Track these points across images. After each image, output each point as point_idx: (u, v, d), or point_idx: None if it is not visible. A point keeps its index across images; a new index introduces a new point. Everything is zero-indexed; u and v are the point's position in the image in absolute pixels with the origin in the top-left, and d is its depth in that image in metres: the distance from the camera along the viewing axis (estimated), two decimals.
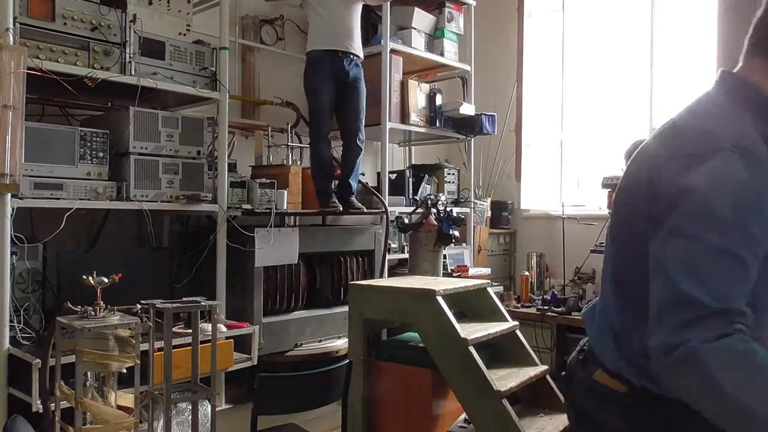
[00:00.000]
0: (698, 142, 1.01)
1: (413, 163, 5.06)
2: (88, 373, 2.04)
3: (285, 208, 3.49)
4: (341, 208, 3.56)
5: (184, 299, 2.30)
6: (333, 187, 3.66)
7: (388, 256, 4.00)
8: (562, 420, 2.74)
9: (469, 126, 4.58)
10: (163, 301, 2.22)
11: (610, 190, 4.05)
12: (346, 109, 3.67)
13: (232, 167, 3.48)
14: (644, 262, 1.04)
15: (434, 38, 4.54)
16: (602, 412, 1.17)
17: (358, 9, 3.69)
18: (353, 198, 3.75)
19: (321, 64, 3.53)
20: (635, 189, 1.10)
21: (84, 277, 2.10)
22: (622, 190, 1.19)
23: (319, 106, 3.57)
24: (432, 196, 3.87)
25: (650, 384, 1.09)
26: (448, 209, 3.70)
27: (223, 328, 2.99)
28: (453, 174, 4.77)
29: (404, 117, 4.28)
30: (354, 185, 3.77)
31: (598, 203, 4.53)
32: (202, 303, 2.27)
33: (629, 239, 1.13)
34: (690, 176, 0.97)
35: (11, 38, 2.41)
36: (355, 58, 3.65)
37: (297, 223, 3.89)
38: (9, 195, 2.41)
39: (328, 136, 3.63)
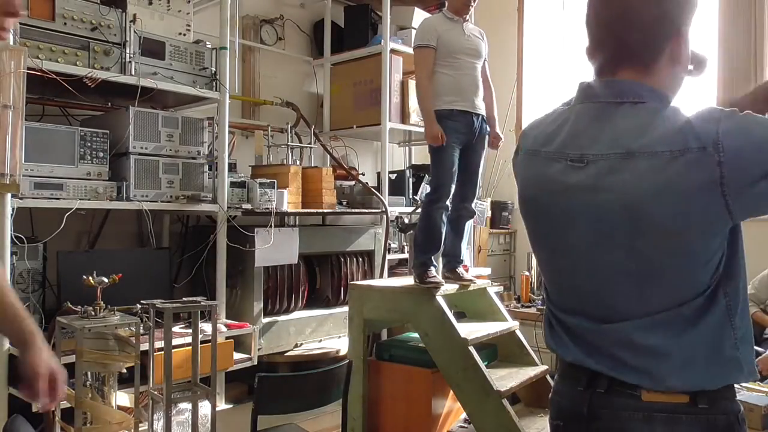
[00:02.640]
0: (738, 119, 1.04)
1: (413, 163, 5.06)
2: (88, 373, 2.04)
3: (285, 208, 3.49)
4: (443, 284, 2.99)
5: (184, 299, 2.31)
6: (434, 260, 3.12)
7: (388, 256, 4.00)
8: None
9: None
10: (163, 301, 2.22)
11: None
12: (467, 169, 3.18)
13: (232, 167, 3.48)
14: (690, 259, 1.06)
15: None
16: (674, 430, 1.10)
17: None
18: (461, 269, 3.23)
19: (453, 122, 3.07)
20: (661, 204, 1.05)
21: (84, 277, 2.11)
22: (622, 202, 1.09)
23: (447, 167, 3.05)
24: None
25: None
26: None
27: (223, 328, 2.99)
28: None
29: (404, 117, 4.28)
30: (464, 251, 3.30)
31: None
32: (202, 303, 2.27)
33: (663, 244, 1.07)
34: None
35: (11, 38, 2.41)
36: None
37: (297, 223, 3.89)
38: (9, 195, 2.41)
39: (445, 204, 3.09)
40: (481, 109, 3.14)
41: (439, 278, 3.02)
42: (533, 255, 1.34)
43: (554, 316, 1.28)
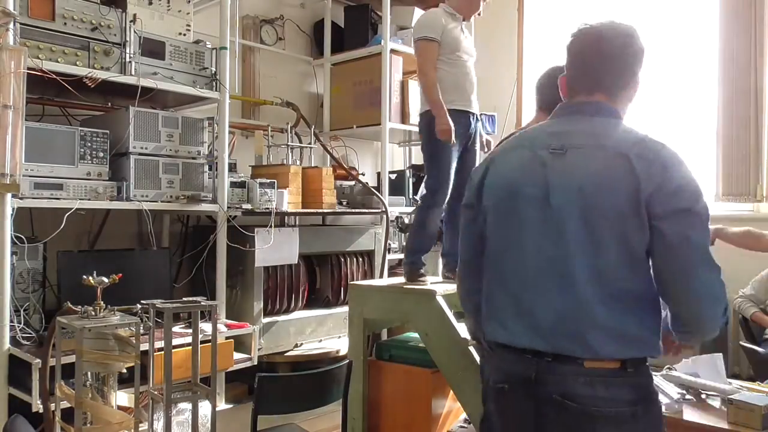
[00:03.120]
0: (671, 152, 1.41)
1: (413, 163, 5.06)
2: (88, 373, 2.04)
3: (285, 208, 3.49)
4: (429, 283, 2.99)
5: (184, 299, 2.30)
6: (424, 259, 3.11)
7: (388, 256, 4.00)
8: None
9: None
10: (163, 301, 2.22)
11: None
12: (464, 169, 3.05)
13: (232, 167, 3.47)
14: (634, 254, 1.39)
15: None
16: (610, 390, 1.38)
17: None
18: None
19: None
20: (612, 191, 1.38)
21: (84, 277, 2.10)
22: (589, 191, 1.41)
23: (446, 169, 2.99)
24: None
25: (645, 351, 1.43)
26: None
27: (223, 328, 2.99)
28: None
29: (404, 117, 4.28)
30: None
31: None
32: (202, 303, 2.27)
33: (612, 237, 1.39)
34: (684, 182, 1.38)
35: (11, 38, 2.41)
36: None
37: (297, 223, 3.89)
38: (9, 195, 2.41)
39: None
40: (476, 108, 3.13)
41: (427, 277, 3.04)
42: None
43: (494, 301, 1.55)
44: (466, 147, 3.09)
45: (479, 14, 3.16)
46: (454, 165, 3.01)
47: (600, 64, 1.52)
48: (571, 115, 1.53)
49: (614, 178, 1.38)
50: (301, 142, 3.93)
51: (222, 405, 3.08)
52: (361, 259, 3.94)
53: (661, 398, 1.70)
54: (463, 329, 2.78)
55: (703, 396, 2.29)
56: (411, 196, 4.37)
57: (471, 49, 3.14)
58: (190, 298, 2.31)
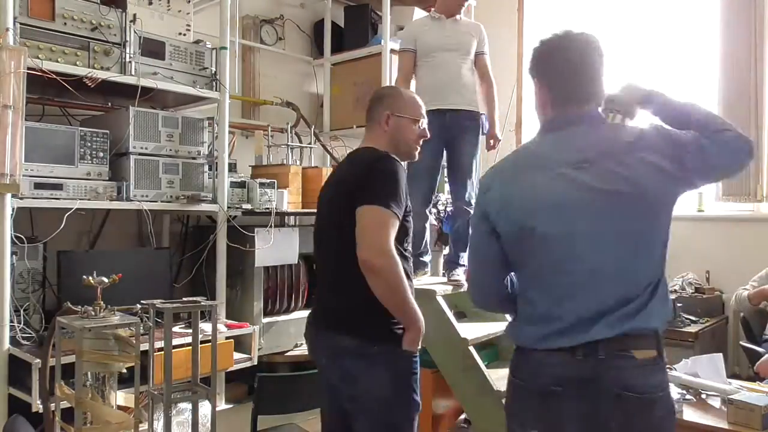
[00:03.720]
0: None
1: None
2: (88, 373, 2.04)
3: (285, 208, 3.49)
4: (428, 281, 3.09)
5: (184, 299, 2.30)
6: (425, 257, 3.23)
7: None
8: None
9: None
10: (163, 301, 2.22)
11: None
12: (452, 167, 3.24)
13: (232, 167, 3.47)
14: None
15: None
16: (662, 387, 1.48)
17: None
18: (457, 270, 3.20)
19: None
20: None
21: (84, 277, 2.10)
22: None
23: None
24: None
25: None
26: (448, 209, 3.70)
27: (223, 328, 2.99)
28: None
29: None
30: (460, 254, 3.22)
31: None
32: (202, 303, 2.27)
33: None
34: None
35: (11, 38, 2.41)
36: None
37: (297, 223, 3.89)
38: (9, 195, 2.41)
39: (424, 208, 3.17)
40: (462, 104, 3.11)
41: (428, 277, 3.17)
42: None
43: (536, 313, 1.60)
44: (451, 143, 3.12)
45: (463, 6, 3.17)
46: (423, 171, 3.07)
47: (595, 73, 1.60)
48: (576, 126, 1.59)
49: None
50: (301, 142, 3.93)
51: (222, 405, 3.08)
52: None
53: None
54: (463, 329, 2.79)
55: (703, 396, 2.30)
56: None
57: (457, 45, 3.13)
58: (190, 298, 2.31)
